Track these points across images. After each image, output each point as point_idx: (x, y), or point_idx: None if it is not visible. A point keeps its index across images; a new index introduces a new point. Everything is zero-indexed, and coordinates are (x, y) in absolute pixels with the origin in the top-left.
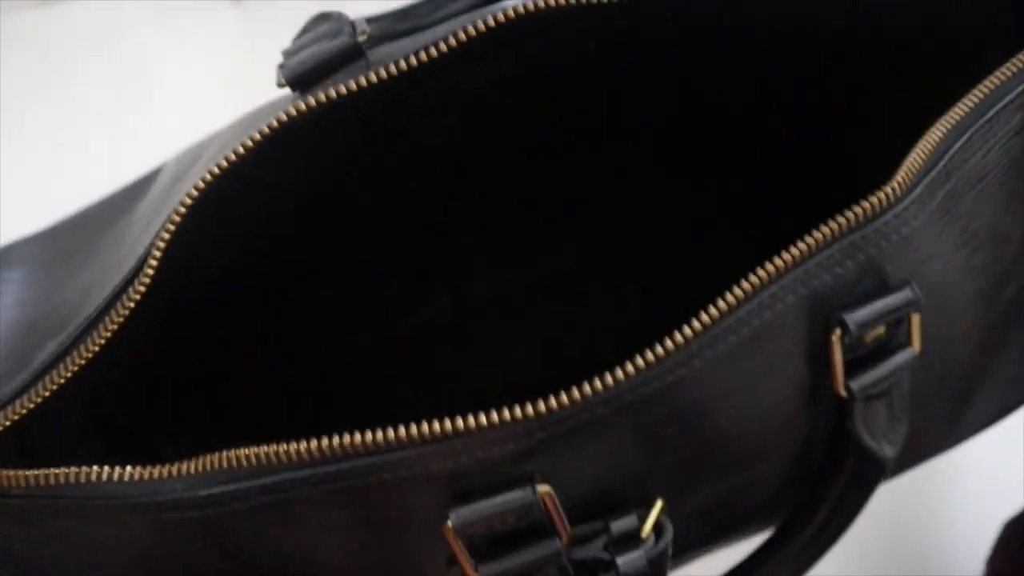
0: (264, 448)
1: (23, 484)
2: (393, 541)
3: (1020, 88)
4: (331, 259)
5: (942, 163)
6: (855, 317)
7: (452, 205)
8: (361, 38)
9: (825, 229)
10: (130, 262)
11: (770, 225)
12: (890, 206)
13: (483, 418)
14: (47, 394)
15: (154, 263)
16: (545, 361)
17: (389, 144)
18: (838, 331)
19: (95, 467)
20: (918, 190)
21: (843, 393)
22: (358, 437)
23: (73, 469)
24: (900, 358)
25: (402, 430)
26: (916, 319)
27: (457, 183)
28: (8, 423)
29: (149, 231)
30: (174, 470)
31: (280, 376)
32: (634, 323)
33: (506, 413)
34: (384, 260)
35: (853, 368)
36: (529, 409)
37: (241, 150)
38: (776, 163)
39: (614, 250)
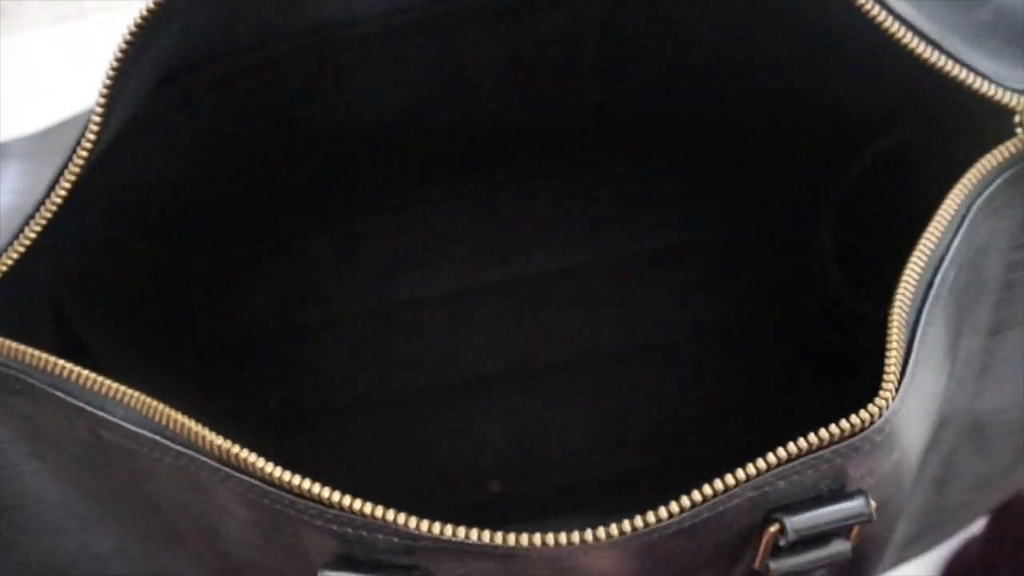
0: (197, 427)
1: (4, 354)
2: (284, 554)
3: (954, 247)
4: (307, 220)
5: (912, 360)
6: (796, 523)
7: (435, 194)
8: None
9: (794, 448)
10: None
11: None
12: (872, 423)
13: (376, 511)
14: (22, 249)
15: (96, 120)
16: (499, 363)
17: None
18: (776, 527)
19: (60, 360)
20: (897, 400)
21: (760, 569)
22: (271, 468)
23: (43, 354)
24: (832, 549)
25: (311, 485)
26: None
27: (445, 173)
28: None
29: None
30: (120, 394)
31: (235, 330)
32: (593, 339)
33: (399, 517)
34: (358, 234)
35: (779, 550)
36: (420, 525)
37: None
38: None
39: (590, 263)
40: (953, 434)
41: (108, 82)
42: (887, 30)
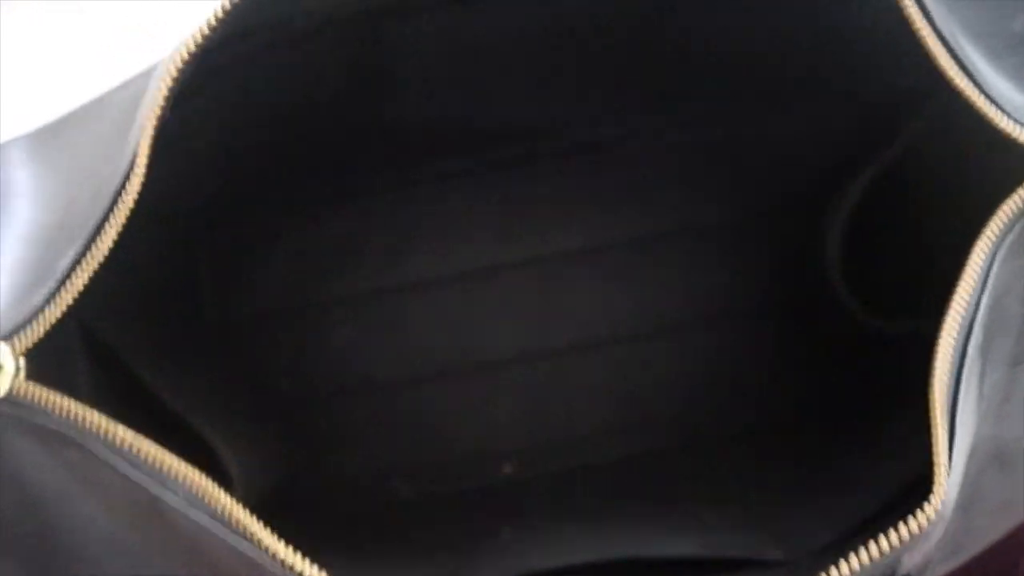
0: (256, 527)
1: (64, 414)
2: None
3: (982, 308)
4: (318, 197)
5: (956, 446)
6: None
7: (449, 171)
8: None
9: (857, 563)
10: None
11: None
12: (929, 522)
13: None
14: (71, 301)
15: (143, 161)
16: (511, 344)
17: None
18: None
19: (120, 427)
20: (951, 502)
21: None
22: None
23: (108, 423)
24: None
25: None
26: None
27: (459, 149)
28: (39, 337)
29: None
30: (183, 476)
31: (245, 310)
32: (606, 320)
33: None
34: (370, 211)
35: None
36: None
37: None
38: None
39: (604, 243)
40: (977, 461)
41: (175, 73)
42: (918, 33)
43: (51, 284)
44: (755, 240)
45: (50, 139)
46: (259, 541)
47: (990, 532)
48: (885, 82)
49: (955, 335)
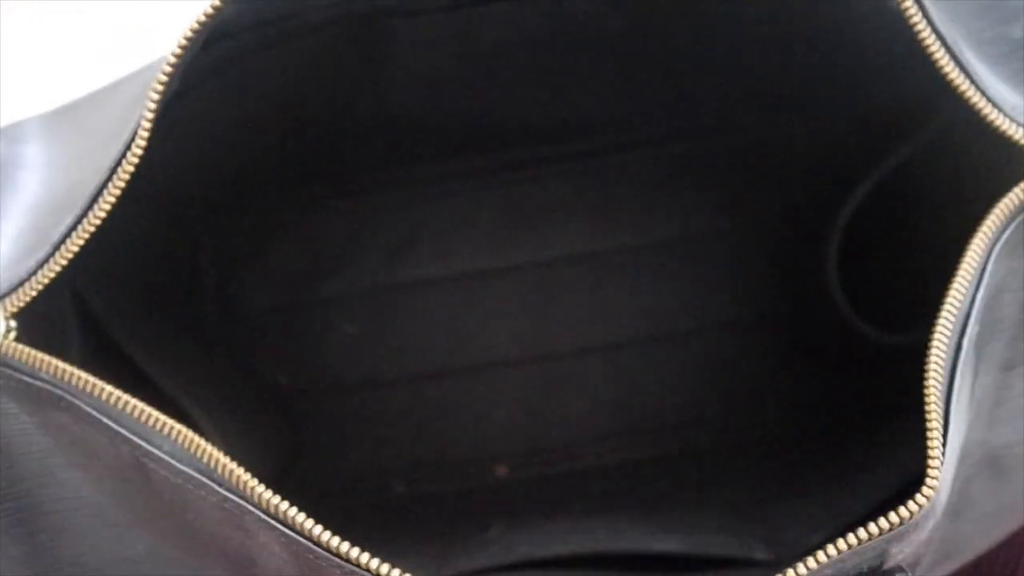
0: (245, 475)
1: (52, 373)
2: None
3: (977, 303)
4: (320, 194)
5: (950, 439)
6: None
7: (451, 173)
8: None
9: (844, 545)
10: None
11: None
12: (920, 511)
13: None
14: (62, 265)
15: (144, 134)
16: (508, 347)
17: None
18: None
19: (108, 386)
20: (944, 493)
21: None
22: (319, 531)
23: (90, 378)
24: None
25: (359, 555)
26: None
27: (462, 152)
28: (28, 299)
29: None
30: (167, 428)
31: (245, 305)
32: (603, 326)
33: None
34: (372, 210)
35: None
36: None
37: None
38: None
39: (603, 249)
40: (968, 466)
41: (173, 59)
42: (921, 38)
43: (45, 249)
44: (754, 248)
45: (64, 118)
46: (244, 483)
47: (981, 539)
48: (886, 94)
49: (950, 329)
